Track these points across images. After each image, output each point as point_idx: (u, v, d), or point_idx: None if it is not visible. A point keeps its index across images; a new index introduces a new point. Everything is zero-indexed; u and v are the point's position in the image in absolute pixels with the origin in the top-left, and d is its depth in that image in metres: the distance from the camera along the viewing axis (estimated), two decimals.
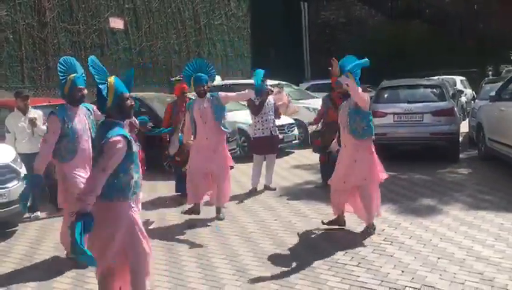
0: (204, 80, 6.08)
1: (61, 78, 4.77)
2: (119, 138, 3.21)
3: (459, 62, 22.72)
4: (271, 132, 7.67)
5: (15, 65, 13.51)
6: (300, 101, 13.22)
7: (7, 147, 6.37)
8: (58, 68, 4.75)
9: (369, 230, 5.42)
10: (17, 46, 13.55)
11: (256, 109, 7.60)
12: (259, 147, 7.76)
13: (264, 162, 7.90)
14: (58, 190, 4.96)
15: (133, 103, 3.45)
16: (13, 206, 5.75)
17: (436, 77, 14.67)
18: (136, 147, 3.41)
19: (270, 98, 7.73)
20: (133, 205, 3.44)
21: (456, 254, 4.72)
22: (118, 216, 3.34)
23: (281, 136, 10.70)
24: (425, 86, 10.31)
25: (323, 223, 5.72)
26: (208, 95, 6.17)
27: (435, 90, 9.96)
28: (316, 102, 12.43)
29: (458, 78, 19.01)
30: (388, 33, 26.61)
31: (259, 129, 7.67)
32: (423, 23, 28.72)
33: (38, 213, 6.70)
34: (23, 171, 6.04)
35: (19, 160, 6.13)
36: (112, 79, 3.39)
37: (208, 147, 6.02)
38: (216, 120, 6.05)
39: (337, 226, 5.67)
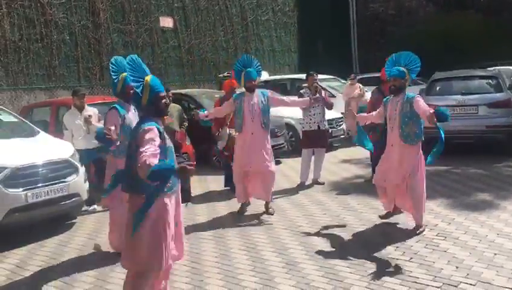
0: (254, 75, 6.15)
1: (114, 77, 4.94)
2: (152, 126, 3.30)
3: None
4: (318, 126, 7.65)
5: (72, 65, 14.08)
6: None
7: (66, 143, 6.68)
8: (111, 68, 4.93)
9: (417, 230, 5.24)
10: (73, 47, 14.11)
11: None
12: (307, 140, 7.77)
13: (313, 157, 7.88)
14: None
15: (168, 102, 3.59)
16: (72, 199, 6.05)
17: (492, 68, 14.08)
18: (170, 142, 3.49)
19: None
20: (167, 202, 3.40)
21: None
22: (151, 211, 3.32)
23: (329, 130, 10.69)
24: (481, 77, 9.94)
25: (380, 217, 5.65)
26: (258, 91, 6.22)
27: (490, 81, 9.58)
28: (366, 95, 12.25)
29: None
30: (440, 24, 25.69)
31: (307, 123, 7.70)
32: (477, 13, 27.57)
33: (95, 206, 6.99)
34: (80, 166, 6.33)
35: (77, 155, 6.41)
36: (148, 78, 3.48)
37: (252, 143, 6.05)
38: (263, 118, 6.09)
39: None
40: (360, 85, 12.73)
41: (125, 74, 4.93)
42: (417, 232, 5.20)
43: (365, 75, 18.15)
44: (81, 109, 6.99)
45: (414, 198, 5.20)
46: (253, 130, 6.06)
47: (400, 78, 5.21)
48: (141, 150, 3.16)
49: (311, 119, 7.64)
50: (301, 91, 7.81)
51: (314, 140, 7.70)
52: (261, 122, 6.07)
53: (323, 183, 7.78)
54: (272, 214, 6.21)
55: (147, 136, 3.24)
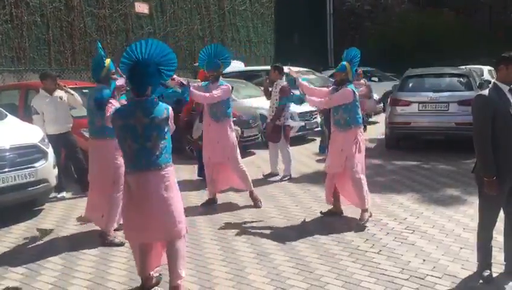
0: (216, 65, 5.93)
1: (104, 61, 4.93)
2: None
3: (488, 52, 22.18)
4: (268, 119, 7.68)
5: (42, 48, 13.72)
6: (323, 88, 13.13)
7: (35, 127, 6.50)
8: (101, 52, 4.94)
9: (364, 216, 5.37)
10: (45, 30, 13.75)
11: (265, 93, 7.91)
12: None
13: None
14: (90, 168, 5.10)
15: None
16: (40, 185, 5.91)
17: (463, 66, 14.40)
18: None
19: (280, 82, 7.65)
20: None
21: None
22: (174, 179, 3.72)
23: (302, 123, 10.75)
24: (452, 75, 10.14)
25: (321, 213, 5.74)
26: (219, 83, 5.99)
27: (461, 79, 9.79)
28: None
29: (485, 68, 18.60)
30: (415, 21, 26.09)
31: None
32: (451, 12, 28.08)
33: (64, 193, 6.86)
34: (49, 151, 6.18)
35: (46, 140, 6.26)
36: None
37: (210, 135, 6.02)
38: (214, 110, 5.94)
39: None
40: (366, 82, 10.92)
41: (109, 59, 5.01)
42: (363, 217, 5.34)
43: None
44: (51, 91, 6.81)
45: (354, 183, 5.33)
46: (210, 122, 6.02)
47: (341, 72, 5.46)
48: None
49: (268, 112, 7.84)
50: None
51: (267, 133, 7.80)
52: (218, 113, 5.94)
53: (277, 174, 7.76)
54: (260, 207, 6.15)
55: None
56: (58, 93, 6.79)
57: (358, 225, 5.29)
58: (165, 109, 3.62)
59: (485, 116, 3.71)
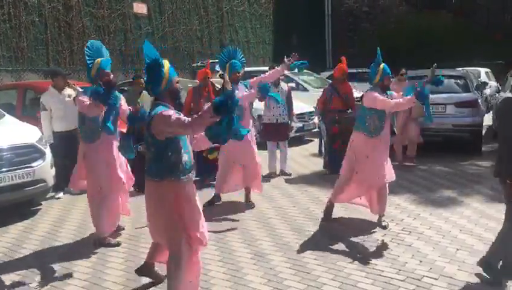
0: (239, 66, 6.12)
1: (88, 62, 4.85)
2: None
3: (485, 54, 22.22)
4: (276, 119, 7.75)
5: (40, 48, 13.69)
6: (321, 89, 13.14)
7: (32, 127, 6.49)
8: (86, 52, 4.85)
9: (383, 220, 5.36)
10: (43, 29, 13.72)
11: None
12: (267, 133, 7.95)
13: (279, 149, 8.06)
14: (76, 168, 5.12)
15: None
16: (38, 185, 5.91)
17: (460, 68, 14.42)
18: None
19: (282, 85, 7.75)
20: (185, 186, 3.50)
21: (476, 246, 4.68)
22: (167, 195, 3.42)
23: (300, 124, 10.74)
24: (449, 77, 10.12)
25: (322, 220, 5.66)
26: (241, 84, 6.15)
27: (458, 81, 9.80)
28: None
29: (483, 70, 18.61)
30: (413, 23, 26.11)
31: (266, 116, 7.93)
32: (449, 13, 28.11)
33: (61, 194, 6.84)
34: (47, 151, 6.18)
35: (43, 140, 6.26)
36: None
37: (248, 136, 6.01)
38: (250, 110, 6.18)
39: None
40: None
41: (100, 59, 4.87)
42: (383, 224, 5.32)
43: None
44: (61, 89, 6.81)
45: (382, 190, 5.30)
46: (243, 124, 6.05)
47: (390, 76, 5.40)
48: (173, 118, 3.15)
49: (269, 112, 7.81)
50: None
51: (273, 133, 7.86)
52: (247, 114, 6.06)
53: (290, 174, 7.85)
54: (253, 207, 6.20)
55: (165, 113, 3.23)
56: (67, 91, 6.80)
57: (381, 226, 5.29)
58: (152, 115, 3.31)
59: None
